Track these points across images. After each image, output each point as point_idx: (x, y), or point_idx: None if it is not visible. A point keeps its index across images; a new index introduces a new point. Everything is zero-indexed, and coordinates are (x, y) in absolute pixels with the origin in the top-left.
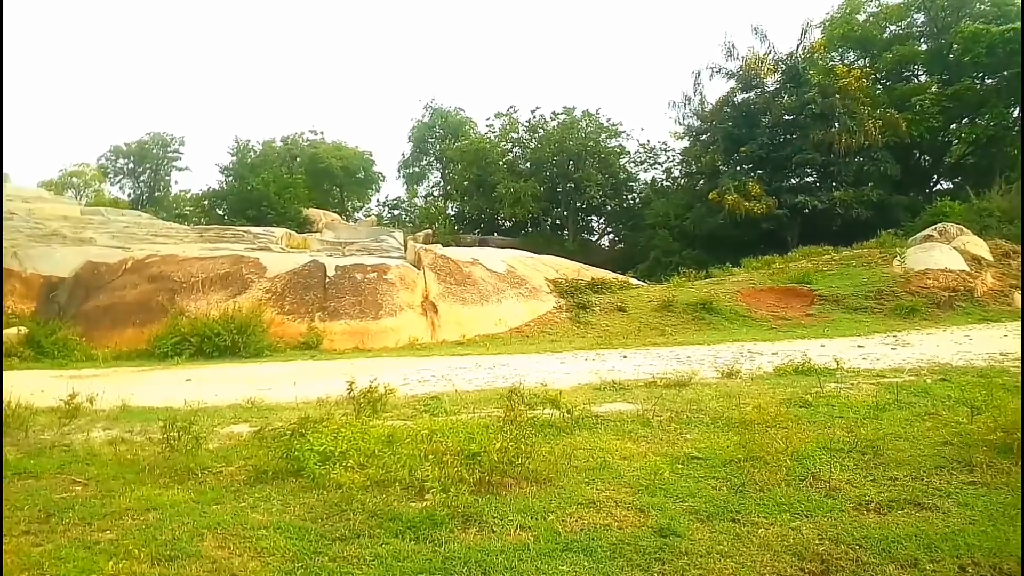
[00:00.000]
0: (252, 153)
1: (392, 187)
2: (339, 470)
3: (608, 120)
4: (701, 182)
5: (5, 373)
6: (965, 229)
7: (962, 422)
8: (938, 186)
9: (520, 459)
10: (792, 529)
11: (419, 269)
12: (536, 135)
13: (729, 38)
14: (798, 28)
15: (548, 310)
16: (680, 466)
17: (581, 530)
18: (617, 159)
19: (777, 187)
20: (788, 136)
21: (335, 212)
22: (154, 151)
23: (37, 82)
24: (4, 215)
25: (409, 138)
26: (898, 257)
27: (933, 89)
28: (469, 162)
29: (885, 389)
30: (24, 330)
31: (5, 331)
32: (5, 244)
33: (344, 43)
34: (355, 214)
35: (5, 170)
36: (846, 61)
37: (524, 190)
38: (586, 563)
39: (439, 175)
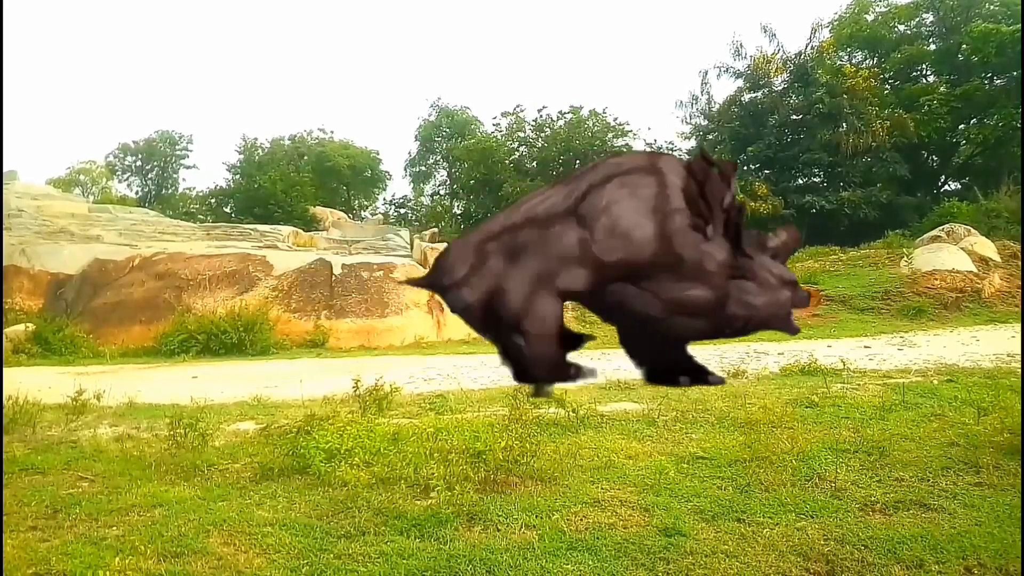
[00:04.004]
0: (260, 151)
1: (399, 186)
2: (345, 468)
3: (615, 119)
4: None
5: (13, 370)
6: (973, 230)
7: (968, 423)
8: (946, 187)
9: (525, 458)
10: (797, 529)
11: (425, 267)
12: (543, 134)
13: (737, 37)
14: (807, 27)
15: None
16: (685, 466)
17: (586, 529)
18: None
19: (784, 187)
20: (795, 136)
21: (342, 211)
22: (162, 149)
23: (45, 79)
24: (13, 212)
25: (416, 137)
26: (905, 258)
27: (942, 89)
28: (475, 161)
29: (891, 390)
30: (31, 327)
31: (13, 328)
32: (14, 241)
33: (352, 41)
34: (362, 212)
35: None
36: (854, 61)
37: (530, 189)
38: (591, 562)
39: (445, 174)
